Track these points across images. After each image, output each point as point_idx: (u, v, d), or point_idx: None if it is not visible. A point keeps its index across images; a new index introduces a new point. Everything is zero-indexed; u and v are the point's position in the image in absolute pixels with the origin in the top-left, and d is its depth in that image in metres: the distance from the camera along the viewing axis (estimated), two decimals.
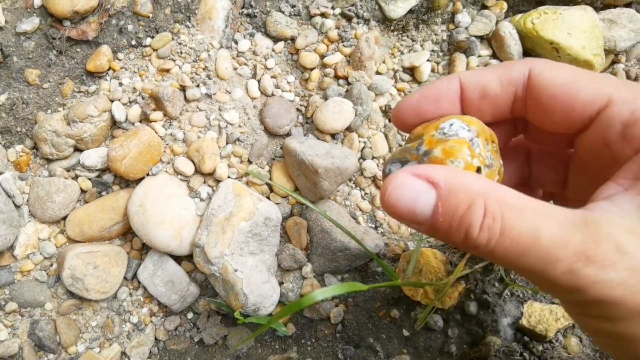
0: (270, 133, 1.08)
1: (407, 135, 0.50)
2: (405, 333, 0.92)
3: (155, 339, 1.08)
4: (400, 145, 0.52)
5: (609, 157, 0.42)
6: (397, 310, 0.93)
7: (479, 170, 0.40)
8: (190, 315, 1.09)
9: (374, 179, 1.05)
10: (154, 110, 1.07)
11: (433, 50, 1.11)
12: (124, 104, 1.08)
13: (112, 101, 1.08)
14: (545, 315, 0.87)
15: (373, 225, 1.04)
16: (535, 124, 0.49)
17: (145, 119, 1.08)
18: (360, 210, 1.04)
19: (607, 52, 1.11)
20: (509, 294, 0.88)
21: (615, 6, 1.13)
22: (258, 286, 0.97)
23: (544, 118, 0.46)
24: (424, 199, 0.37)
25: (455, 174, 0.37)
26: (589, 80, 0.43)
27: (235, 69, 1.11)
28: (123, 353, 1.06)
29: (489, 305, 0.88)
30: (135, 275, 1.08)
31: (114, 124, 1.09)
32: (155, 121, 1.06)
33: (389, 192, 0.39)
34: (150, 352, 1.07)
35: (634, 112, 0.40)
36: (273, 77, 1.10)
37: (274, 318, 0.59)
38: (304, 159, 0.99)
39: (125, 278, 1.08)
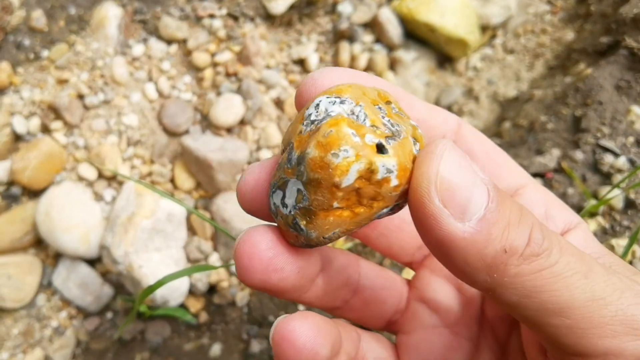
0: (169, 133, 1.12)
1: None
2: (301, 308, 0.98)
3: (77, 340, 1.12)
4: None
5: None
6: None
7: (381, 149, 0.28)
8: (109, 314, 1.13)
9: None
10: (54, 120, 1.10)
11: (319, 42, 1.16)
12: (25, 117, 1.12)
13: (12, 115, 1.11)
14: None
15: None
16: None
17: (46, 129, 1.11)
18: None
19: (484, 28, 1.18)
20: None
21: None
22: None
23: None
24: (479, 191, 0.28)
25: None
26: None
27: (131, 74, 1.15)
28: (46, 357, 1.10)
29: None
30: (50, 282, 1.12)
31: (17, 137, 1.12)
32: (55, 131, 1.10)
33: (444, 164, 0.27)
34: (74, 353, 1.11)
35: None
36: (170, 78, 1.15)
37: (136, 303, 0.64)
38: (199, 155, 1.03)
39: (42, 285, 1.12)
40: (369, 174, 0.28)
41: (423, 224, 0.28)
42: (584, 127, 0.95)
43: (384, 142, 0.28)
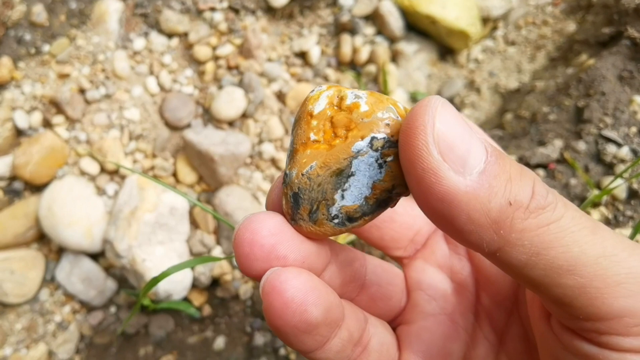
0: (171, 127, 1.12)
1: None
2: None
3: (81, 334, 1.12)
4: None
5: None
6: None
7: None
8: (112, 309, 1.13)
9: (273, 161, 1.11)
10: (55, 114, 1.10)
11: (321, 34, 1.16)
12: (27, 112, 1.11)
13: (14, 110, 1.11)
14: None
15: None
16: None
17: (48, 124, 1.11)
18: (262, 191, 1.10)
19: (485, 20, 1.18)
20: None
21: None
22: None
23: None
24: (477, 145, 0.27)
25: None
26: None
27: (132, 68, 1.14)
28: (50, 352, 1.10)
29: None
30: (54, 277, 1.12)
31: (19, 132, 1.12)
32: (57, 125, 1.10)
33: (440, 117, 0.26)
34: (77, 348, 1.11)
35: None
36: (171, 72, 1.15)
37: (141, 295, 0.64)
38: (201, 148, 1.03)
39: (45, 280, 1.12)
40: (339, 100, 0.30)
41: (421, 180, 0.26)
42: (586, 117, 0.95)
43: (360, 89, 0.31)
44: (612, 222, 0.86)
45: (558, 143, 0.96)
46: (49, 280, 1.12)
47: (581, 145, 0.93)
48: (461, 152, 0.26)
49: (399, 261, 0.46)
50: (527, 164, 0.98)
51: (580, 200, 0.90)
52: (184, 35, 1.15)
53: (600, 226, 0.28)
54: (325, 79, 1.11)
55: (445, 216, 0.27)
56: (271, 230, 0.31)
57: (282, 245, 0.31)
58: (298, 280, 0.29)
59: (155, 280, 0.62)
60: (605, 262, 0.26)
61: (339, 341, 0.32)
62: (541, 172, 0.95)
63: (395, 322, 0.43)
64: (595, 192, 0.87)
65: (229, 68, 1.11)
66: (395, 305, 0.43)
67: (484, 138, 0.28)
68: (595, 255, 0.26)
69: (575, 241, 0.26)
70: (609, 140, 0.91)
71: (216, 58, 1.13)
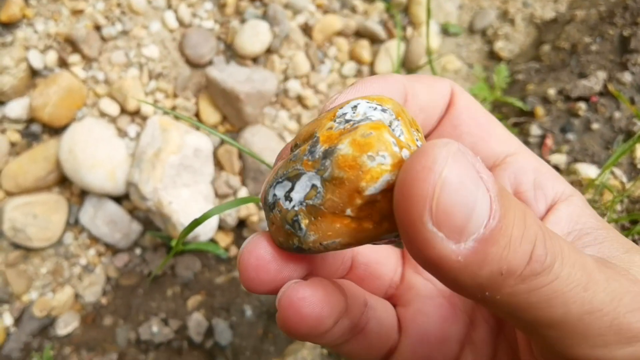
0: (192, 64, 1.08)
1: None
2: None
3: (107, 277, 1.11)
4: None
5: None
6: None
7: None
8: (138, 251, 1.12)
9: (299, 99, 1.06)
10: (71, 53, 1.05)
11: None
12: (41, 51, 1.07)
13: (28, 49, 1.06)
14: None
15: None
16: None
17: (64, 63, 1.06)
18: (288, 130, 1.06)
19: None
20: None
21: None
22: (194, 215, 1.00)
23: None
24: (481, 204, 0.23)
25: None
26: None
27: (149, 2, 1.09)
28: (76, 295, 1.10)
29: None
30: (77, 220, 1.10)
31: (34, 72, 1.08)
32: (73, 65, 1.05)
33: (444, 184, 0.23)
34: (104, 290, 1.11)
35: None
36: (190, 5, 1.09)
37: (180, 237, 0.61)
38: (225, 87, 0.99)
39: (68, 223, 1.10)
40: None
41: (411, 244, 0.24)
42: (633, 47, 0.90)
43: None
44: None
45: (601, 75, 0.91)
46: (73, 224, 1.11)
47: (627, 77, 0.89)
48: (461, 219, 0.23)
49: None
50: (568, 97, 0.93)
51: (625, 134, 0.86)
52: None
53: (595, 278, 0.26)
54: (353, 10, 1.05)
55: (432, 271, 0.25)
56: (274, 255, 0.30)
57: (287, 266, 0.31)
58: (316, 296, 0.30)
59: (197, 222, 0.59)
60: (590, 318, 0.26)
61: (339, 330, 0.33)
62: (583, 105, 0.91)
63: (391, 301, 0.42)
64: None
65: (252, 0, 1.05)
66: (384, 284, 0.41)
67: (492, 182, 0.24)
68: (582, 312, 0.25)
69: (563, 302, 0.25)
70: None
71: None
